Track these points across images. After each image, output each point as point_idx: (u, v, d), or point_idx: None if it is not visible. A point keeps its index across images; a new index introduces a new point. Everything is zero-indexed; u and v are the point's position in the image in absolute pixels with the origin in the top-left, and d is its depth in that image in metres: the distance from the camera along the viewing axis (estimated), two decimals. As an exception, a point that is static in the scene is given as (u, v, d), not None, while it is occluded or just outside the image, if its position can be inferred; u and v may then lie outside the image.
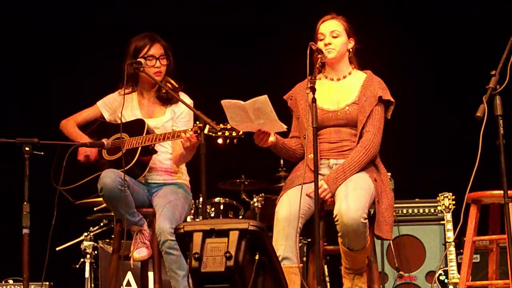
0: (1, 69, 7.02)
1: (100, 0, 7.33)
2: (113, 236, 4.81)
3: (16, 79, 7.15)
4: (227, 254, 3.44)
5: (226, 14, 7.34)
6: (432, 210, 6.38)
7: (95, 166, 4.63)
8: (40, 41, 7.15)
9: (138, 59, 4.59)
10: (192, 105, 4.63)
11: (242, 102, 4.06)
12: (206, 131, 4.20)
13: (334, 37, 4.36)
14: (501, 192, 3.65)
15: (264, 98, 4.03)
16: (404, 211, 6.41)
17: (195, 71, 6.55)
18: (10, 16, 7.14)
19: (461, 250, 4.91)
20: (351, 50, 4.43)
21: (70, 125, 4.77)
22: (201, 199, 5.44)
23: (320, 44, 4.34)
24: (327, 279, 6.38)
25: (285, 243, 4.08)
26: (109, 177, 4.38)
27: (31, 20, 7.17)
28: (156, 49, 4.66)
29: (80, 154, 4.67)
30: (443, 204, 5.85)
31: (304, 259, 5.82)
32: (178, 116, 4.68)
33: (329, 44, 4.34)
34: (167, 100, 4.70)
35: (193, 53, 6.88)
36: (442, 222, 6.02)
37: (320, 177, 4.11)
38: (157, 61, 4.65)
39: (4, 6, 7.06)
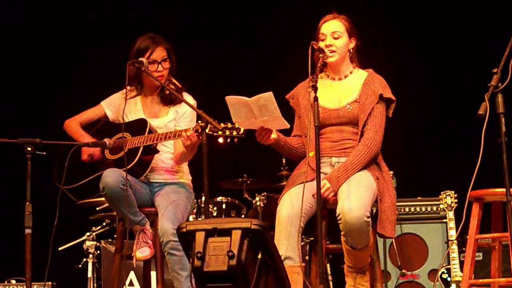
0: (2, 69, 7.02)
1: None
2: (115, 235, 4.82)
3: (18, 79, 7.15)
4: (230, 253, 3.43)
5: (229, 14, 7.35)
6: (434, 208, 6.37)
7: (98, 165, 4.63)
8: (41, 40, 7.15)
9: (140, 59, 4.56)
10: (195, 106, 4.61)
11: (246, 98, 4.05)
12: (207, 130, 4.18)
13: (336, 38, 4.35)
14: (503, 190, 3.64)
15: (269, 95, 4.02)
16: (407, 209, 6.41)
17: (197, 70, 6.54)
18: (11, 14, 7.14)
19: (464, 248, 4.91)
20: (351, 50, 4.42)
21: (73, 125, 4.76)
22: (203, 198, 5.44)
23: (321, 44, 4.33)
24: (330, 278, 6.38)
25: (287, 242, 4.07)
26: (111, 176, 4.37)
27: (31, 19, 7.17)
28: (158, 53, 4.63)
29: (84, 153, 4.66)
30: (445, 202, 5.83)
31: (307, 258, 5.82)
32: (181, 116, 4.67)
33: (331, 45, 4.33)
34: (170, 100, 4.69)
35: (195, 53, 6.89)
36: (444, 220, 6.02)
37: (322, 175, 4.11)
38: (159, 65, 4.62)
39: (4, 4, 7.05)
